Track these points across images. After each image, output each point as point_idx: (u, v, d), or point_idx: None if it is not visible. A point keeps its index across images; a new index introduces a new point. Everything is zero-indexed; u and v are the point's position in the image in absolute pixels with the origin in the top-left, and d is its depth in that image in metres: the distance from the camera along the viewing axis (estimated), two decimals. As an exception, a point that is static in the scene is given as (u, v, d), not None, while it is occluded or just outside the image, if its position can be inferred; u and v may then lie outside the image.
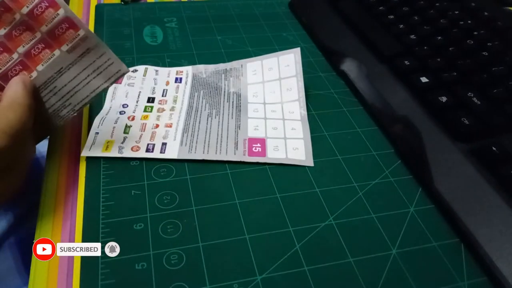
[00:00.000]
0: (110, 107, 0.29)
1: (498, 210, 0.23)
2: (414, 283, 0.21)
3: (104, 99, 0.30)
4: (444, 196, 0.24)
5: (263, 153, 0.27)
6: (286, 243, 0.22)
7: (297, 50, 0.33)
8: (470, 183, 0.25)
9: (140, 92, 0.31)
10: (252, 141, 0.28)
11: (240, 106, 0.31)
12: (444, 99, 0.29)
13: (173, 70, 0.34)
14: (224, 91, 0.32)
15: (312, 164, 0.27)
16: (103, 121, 0.28)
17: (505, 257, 0.21)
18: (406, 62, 0.33)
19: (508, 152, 0.25)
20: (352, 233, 0.23)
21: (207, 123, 0.29)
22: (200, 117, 0.29)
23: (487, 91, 0.29)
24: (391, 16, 0.38)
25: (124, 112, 0.29)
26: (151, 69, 0.33)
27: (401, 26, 0.37)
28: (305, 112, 0.30)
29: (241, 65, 0.34)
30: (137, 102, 0.30)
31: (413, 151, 0.27)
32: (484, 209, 0.23)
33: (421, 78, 0.31)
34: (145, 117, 0.29)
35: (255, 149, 0.27)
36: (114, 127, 0.27)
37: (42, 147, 0.51)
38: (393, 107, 0.30)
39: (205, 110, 0.30)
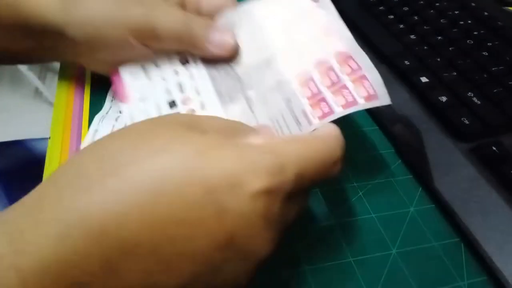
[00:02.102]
0: (111, 107, 0.29)
1: (498, 210, 0.23)
2: (414, 283, 0.21)
3: (104, 99, 0.30)
4: (444, 195, 0.24)
5: (331, 110, 0.23)
6: (286, 243, 0.22)
7: None
8: (471, 183, 0.25)
9: (157, 103, 0.26)
10: (315, 104, 0.23)
11: (271, 65, 0.25)
12: (444, 98, 0.29)
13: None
14: (243, 51, 0.26)
15: (389, 101, 0.23)
16: (103, 119, 0.28)
17: (505, 257, 0.21)
18: (406, 61, 0.33)
19: (508, 151, 0.25)
20: (352, 233, 0.23)
21: (250, 110, 0.24)
22: (238, 103, 0.24)
23: (487, 91, 0.29)
24: (391, 16, 0.38)
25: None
26: (148, 63, 0.27)
27: (401, 26, 0.37)
28: (349, 35, 0.24)
29: (250, 10, 0.27)
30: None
31: (413, 150, 0.27)
32: (484, 209, 0.23)
33: (421, 78, 0.31)
34: None
35: (324, 108, 0.23)
36: (113, 126, 0.27)
37: (42, 145, 0.51)
38: (393, 106, 0.30)
39: (237, 92, 0.25)
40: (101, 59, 0.27)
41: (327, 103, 0.23)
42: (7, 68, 1.46)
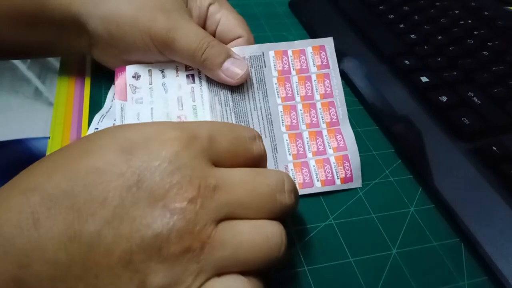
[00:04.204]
0: (111, 106, 0.29)
1: (498, 210, 0.23)
2: (414, 283, 0.21)
3: (105, 99, 0.30)
4: (445, 195, 0.24)
5: (310, 182, 0.24)
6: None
7: (329, 40, 0.28)
8: (471, 183, 0.25)
9: (152, 108, 0.26)
10: (298, 166, 0.25)
11: (270, 114, 0.26)
12: (444, 98, 0.29)
13: (181, 65, 0.27)
14: (248, 90, 0.27)
15: (360, 185, 0.26)
16: (103, 118, 0.28)
17: (505, 257, 0.21)
18: (406, 61, 0.33)
19: (508, 151, 0.25)
20: (352, 233, 0.23)
21: None
22: None
23: (487, 91, 0.29)
24: (392, 16, 0.38)
25: None
26: (156, 70, 0.27)
27: (402, 25, 0.37)
28: (344, 112, 0.27)
29: (262, 53, 0.27)
30: None
31: (413, 150, 0.27)
32: (484, 209, 0.23)
33: (421, 78, 0.31)
34: None
35: (306, 176, 0.24)
36: (114, 124, 0.27)
37: (42, 144, 0.51)
38: (394, 106, 0.30)
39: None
40: (115, 55, 0.27)
41: (309, 172, 0.25)
42: (7, 68, 1.46)
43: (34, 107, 1.40)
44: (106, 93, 0.30)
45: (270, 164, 0.25)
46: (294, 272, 0.21)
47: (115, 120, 0.28)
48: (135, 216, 0.14)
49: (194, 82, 0.27)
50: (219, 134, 0.17)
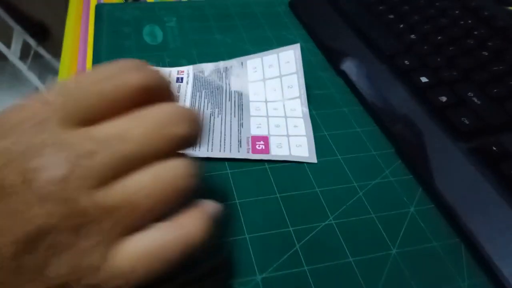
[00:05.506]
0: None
1: (499, 210, 0.23)
2: (414, 283, 0.21)
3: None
4: (445, 195, 0.24)
5: (266, 150, 0.27)
6: (286, 243, 0.22)
7: (297, 46, 0.32)
8: (471, 183, 0.25)
9: None
10: (256, 138, 0.28)
11: (242, 104, 0.31)
12: (444, 98, 0.29)
13: (174, 70, 0.33)
14: (226, 90, 0.32)
15: (315, 161, 0.27)
16: None
17: (505, 257, 0.21)
18: (406, 61, 0.33)
19: (508, 151, 0.25)
20: (352, 233, 0.23)
21: (210, 122, 0.29)
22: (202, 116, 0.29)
23: (487, 90, 0.29)
24: (391, 16, 0.38)
25: None
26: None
27: (401, 25, 0.37)
28: (306, 109, 0.31)
29: (241, 63, 0.34)
30: None
31: (413, 150, 0.27)
32: (484, 209, 0.23)
33: (421, 77, 0.31)
34: None
35: (259, 146, 0.28)
36: None
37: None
38: (393, 106, 0.30)
39: (207, 109, 0.30)
40: None
41: (267, 143, 0.28)
42: (7, 68, 1.46)
43: (34, 107, 1.40)
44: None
45: (234, 135, 0.28)
46: (294, 272, 0.21)
47: None
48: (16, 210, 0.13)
49: (182, 82, 0.32)
50: (75, 86, 0.15)
